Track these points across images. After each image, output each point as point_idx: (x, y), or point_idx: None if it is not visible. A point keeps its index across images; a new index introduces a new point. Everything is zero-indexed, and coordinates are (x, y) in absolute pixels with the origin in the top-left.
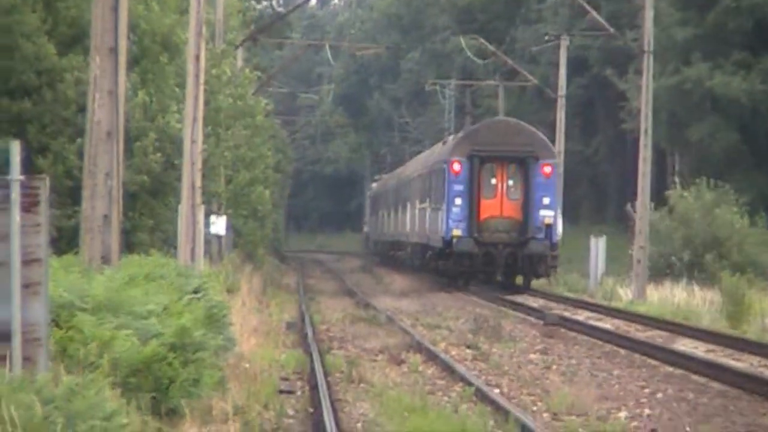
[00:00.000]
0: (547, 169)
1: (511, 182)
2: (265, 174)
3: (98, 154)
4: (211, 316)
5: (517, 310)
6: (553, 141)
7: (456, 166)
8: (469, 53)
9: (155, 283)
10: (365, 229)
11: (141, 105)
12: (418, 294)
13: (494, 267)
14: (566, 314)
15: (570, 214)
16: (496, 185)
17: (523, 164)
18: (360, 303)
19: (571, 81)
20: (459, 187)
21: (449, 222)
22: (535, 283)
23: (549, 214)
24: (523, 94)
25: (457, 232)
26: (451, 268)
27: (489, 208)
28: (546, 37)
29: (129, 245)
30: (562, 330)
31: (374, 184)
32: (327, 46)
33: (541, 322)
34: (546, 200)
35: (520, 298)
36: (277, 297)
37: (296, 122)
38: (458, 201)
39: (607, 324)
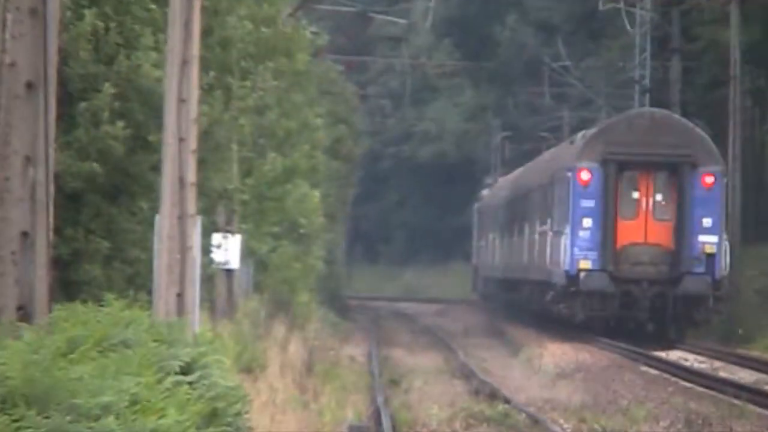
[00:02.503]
0: (709, 180)
1: (659, 197)
2: (313, 162)
3: (12, 123)
4: (215, 415)
5: (731, 392)
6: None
7: (584, 175)
8: None
9: (115, 356)
10: (474, 259)
11: (89, 35)
12: (584, 370)
13: (636, 312)
14: None
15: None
16: (639, 201)
17: (677, 173)
18: (481, 389)
19: None
20: (588, 204)
21: (575, 250)
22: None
23: (711, 240)
24: None
25: (585, 264)
26: (576, 312)
27: (629, 231)
28: None
29: (68, 286)
30: None
31: (485, 192)
32: None
33: None
34: (707, 221)
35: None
36: (334, 380)
37: (369, 69)
38: (587, 222)
39: None
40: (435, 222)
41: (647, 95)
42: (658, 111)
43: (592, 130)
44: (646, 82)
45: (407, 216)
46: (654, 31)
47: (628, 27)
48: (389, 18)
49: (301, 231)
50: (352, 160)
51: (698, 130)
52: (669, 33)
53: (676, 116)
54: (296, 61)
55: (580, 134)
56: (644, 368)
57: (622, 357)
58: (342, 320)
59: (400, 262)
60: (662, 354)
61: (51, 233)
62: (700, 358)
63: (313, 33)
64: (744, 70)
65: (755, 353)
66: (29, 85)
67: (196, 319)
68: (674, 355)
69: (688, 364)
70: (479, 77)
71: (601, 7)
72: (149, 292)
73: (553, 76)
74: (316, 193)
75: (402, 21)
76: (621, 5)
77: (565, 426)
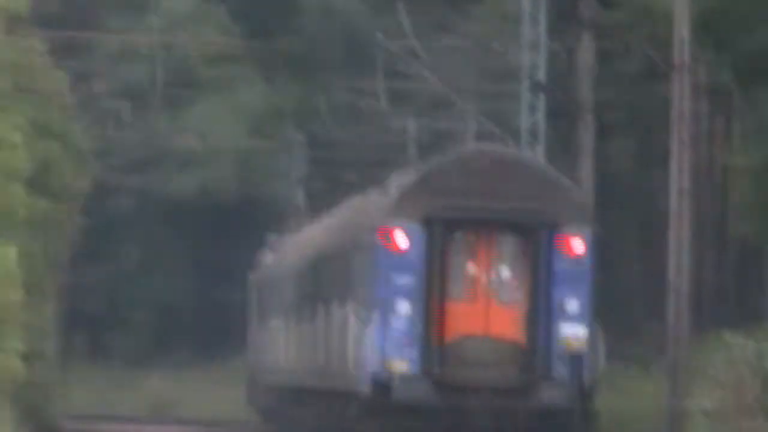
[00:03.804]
0: (577, 246)
1: (505, 271)
2: (7, 201)
3: None
4: None
5: None
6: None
7: (400, 240)
8: None
9: None
10: (250, 357)
11: None
12: None
13: None
14: None
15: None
16: (476, 277)
17: (529, 236)
18: None
19: None
20: (405, 280)
21: (385, 347)
22: None
23: (577, 332)
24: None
25: (399, 366)
26: None
27: (462, 319)
28: None
29: None
30: None
31: (268, 257)
32: None
33: None
34: (572, 304)
35: None
36: None
37: (96, 51)
38: (403, 307)
39: None
40: (198, 298)
41: (541, 95)
42: (502, 150)
43: (411, 176)
44: (540, 73)
45: (155, 287)
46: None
47: None
48: None
49: None
50: (70, 198)
51: (561, 177)
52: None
53: (529, 157)
54: None
55: (393, 179)
56: None
57: None
58: None
59: (144, 361)
60: None
61: None
62: None
63: None
64: (695, 54)
65: None
66: None
67: None
68: None
69: None
70: (272, 65)
71: None
72: None
73: (390, 63)
74: (11, 252)
75: None
76: None
77: None
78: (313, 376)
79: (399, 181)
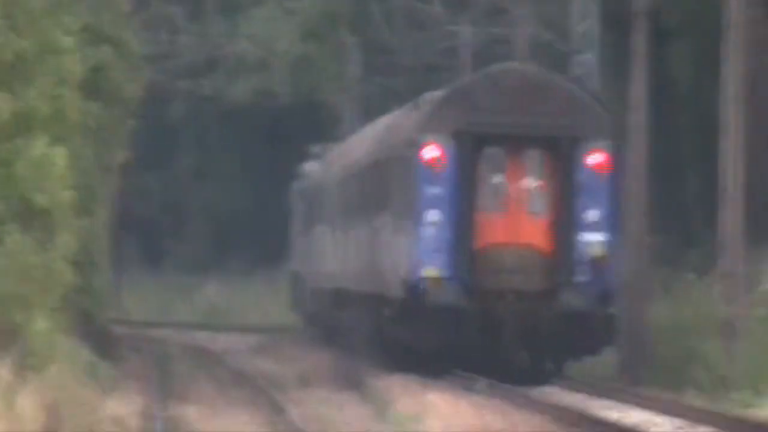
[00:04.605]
0: (596, 159)
1: (531, 182)
2: (60, 104)
3: None
4: None
5: None
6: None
7: (431, 153)
8: None
9: None
10: (295, 264)
11: None
12: None
13: (501, 335)
14: None
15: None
16: (505, 188)
17: (555, 150)
18: None
19: None
20: (436, 191)
21: (418, 253)
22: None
23: (598, 239)
24: None
25: (431, 272)
26: (421, 338)
27: (492, 229)
28: None
29: None
30: None
31: (311, 165)
32: None
33: None
34: (593, 215)
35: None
36: None
37: None
38: (434, 216)
39: None
40: (255, 205)
41: None
42: (530, 68)
43: (442, 92)
44: None
45: (210, 194)
46: None
47: None
48: None
49: (38, 216)
50: (122, 102)
51: (585, 93)
52: None
53: (555, 75)
54: None
55: (425, 96)
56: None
57: (551, 420)
58: (104, 359)
59: (199, 267)
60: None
61: None
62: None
63: None
64: None
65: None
66: None
67: None
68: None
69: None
70: None
71: None
72: None
73: None
74: (62, 153)
75: None
76: None
77: None
78: (354, 281)
79: (432, 96)
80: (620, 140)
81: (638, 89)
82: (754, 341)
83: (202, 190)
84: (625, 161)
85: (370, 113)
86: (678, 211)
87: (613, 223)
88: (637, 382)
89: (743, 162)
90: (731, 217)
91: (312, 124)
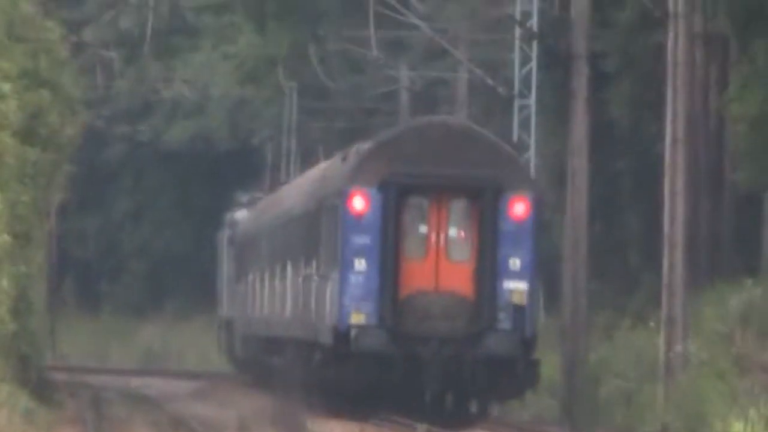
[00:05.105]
0: (520, 209)
1: (454, 231)
2: None
3: None
4: None
5: None
6: None
7: (358, 203)
8: None
9: None
10: (223, 310)
11: None
12: None
13: (423, 381)
14: None
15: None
16: (428, 236)
17: (478, 200)
18: None
19: None
20: (363, 240)
21: (345, 300)
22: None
23: (520, 287)
24: None
25: (357, 318)
26: (349, 383)
27: (416, 276)
28: None
29: None
30: None
31: (240, 213)
32: None
33: None
34: (515, 262)
35: None
36: None
37: (84, 3)
38: (360, 264)
39: None
40: (191, 247)
41: (534, 42)
42: (454, 121)
43: (369, 144)
44: (532, 22)
45: (147, 236)
46: None
47: None
48: None
49: None
50: (60, 147)
51: (506, 146)
52: None
53: (477, 128)
54: None
55: (354, 149)
56: None
57: None
58: (42, 405)
59: (136, 310)
60: None
61: None
62: None
63: None
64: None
65: None
66: None
67: None
68: None
69: None
70: (264, 13)
71: None
72: None
73: (381, 11)
74: None
75: None
76: None
77: None
78: (285, 328)
79: (359, 148)
80: (556, 185)
81: (579, 133)
82: (693, 385)
83: (139, 232)
84: (566, 205)
85: (307, 157)
86: (618, 253)
87: (533, 271)
88: (577, 425)
89: (684, 204)
90: (671, 259)
91: (248, 167)
